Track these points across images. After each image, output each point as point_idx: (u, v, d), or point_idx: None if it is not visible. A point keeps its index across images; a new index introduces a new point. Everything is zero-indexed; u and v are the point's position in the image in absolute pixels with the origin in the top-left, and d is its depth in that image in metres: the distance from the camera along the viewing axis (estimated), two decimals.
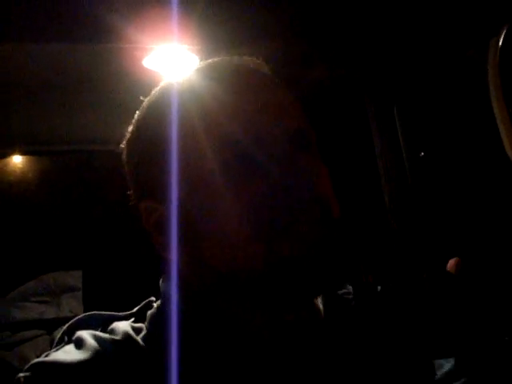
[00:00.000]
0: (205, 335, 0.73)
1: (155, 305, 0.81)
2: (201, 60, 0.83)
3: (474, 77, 1.51)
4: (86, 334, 0.72)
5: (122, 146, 0.83)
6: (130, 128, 0.83)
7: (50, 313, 2.70)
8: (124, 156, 0.83)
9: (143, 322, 0.77)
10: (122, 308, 0.85)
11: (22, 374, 0.68)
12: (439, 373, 0.77)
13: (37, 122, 2.63)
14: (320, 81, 1.88)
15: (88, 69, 2.05)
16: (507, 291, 1.23)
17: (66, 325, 0.79)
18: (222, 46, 1.57)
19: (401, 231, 1.80)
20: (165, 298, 0.79)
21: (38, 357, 0.71)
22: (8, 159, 3.25)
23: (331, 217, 0.72)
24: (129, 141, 0.82)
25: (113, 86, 2.13)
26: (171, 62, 1.87)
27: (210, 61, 0.82)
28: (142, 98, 0.84)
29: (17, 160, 3.29)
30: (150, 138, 0.78)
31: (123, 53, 1.83)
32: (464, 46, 1.56)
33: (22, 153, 3.21)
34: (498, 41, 1.46)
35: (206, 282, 0.76)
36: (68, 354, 0.70)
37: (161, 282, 0.81)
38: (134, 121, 0.83)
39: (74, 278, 2.83)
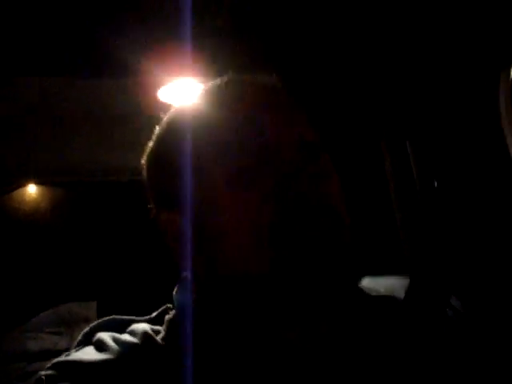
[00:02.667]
0: (219, 338, 0.74)
1: (172, 312, 0.82)
2: None
3: (486, 109, 1.51)
4: (105, 336, 0.74)
5: (143, 161, 0.86)
6: (150, 144, 0.86)
7: (63, 344, 2.70)
8: (144, 171, 0.86)
9: (161, 326, 0.79)
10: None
11: (43, 373, 0.69)
12: None
13: (52, 153, 2.66)
14: (333, 118, 1.89)
15: (103, 101, 2.08)
16: None
17: (87, 327, 0.80)
18: None
19: (413, 260, 1.79)
20: (181, 304, 0.81)
21: None
22: (23, 189, 3.28)
23: (339, 224, 0.73)
24: (149, 157, 0.85)
25: (127, 117, 2.15)
26: (185, 94, 1.90)
27: (218, 81, 0.85)
28: (162, 114, 0.87)
29: (32, 190, 3.32)
30: (168, 154, 0.80)
31: (138, 86, 1.86)
32: (475, 79, 1.57)
33: (37, 183, 3.24)
34: (509, 73, 1.47)
35: (219, 289, 0.77)
36: (88, 354, 0.71)
37: (175, 290, 0.84)
38: (153, 137, 0.86)
39: (88, 309, 2.83)
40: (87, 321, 2.80)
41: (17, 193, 3.24)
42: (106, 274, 3.04)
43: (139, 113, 2.04)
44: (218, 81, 0.85)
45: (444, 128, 1.68)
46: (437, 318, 0.85)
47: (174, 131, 0.82)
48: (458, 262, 1.61)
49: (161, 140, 0.84)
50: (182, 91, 1.89)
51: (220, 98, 0.81)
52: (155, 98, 1.94)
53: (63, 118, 2.23)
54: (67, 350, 2.25)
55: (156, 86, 1.87)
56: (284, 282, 0.71)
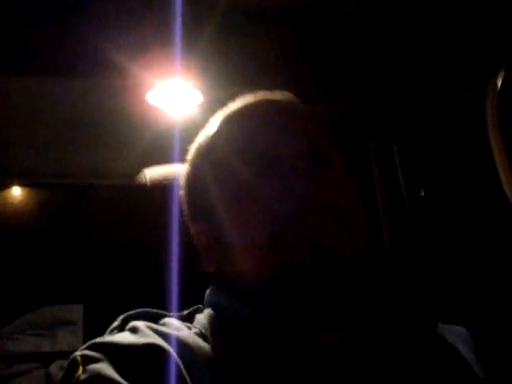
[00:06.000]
0: (251, 333, 0.78)
1: (206, 311, 0.86)
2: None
3: (473, 117, 1.52)
4: (141, 324, 0.75)
5: (183, 177, 0.97)
6: (187, 166, 0.97)
7: (45, 346, 2.67)
8: (182, 187, 0.97)
9: (192, 323, 0.82)
10: None
11: (78, 353, 0.68)
12: None
13: (37, 155, 2.64)
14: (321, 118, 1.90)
15: (91, 104, 2.07)
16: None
17: (120, 317, 0.81)
18: (225, 82, 1.60)
19: (400, 270, 1.80)
20: (216, 305, 0.86)
21: None
22: (7, 191, 3.25)
23: (352, 231, 0.78)
24: (187, 176, 0.96)
25: (115, 121, 2.14)
26: (174, 97, 1.89)
27: (241, 106, 0.93)
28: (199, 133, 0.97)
29: (16, 192, 3.29)
30: (203, 175, 0.90)
31: (127, 89, 1.85)
32: (462, 86, 1.58)
33: (22, 185, 3.22)
34: (497, 81, 1.47)
35: (244, 287, 0.82)
36: (125, 338, 0.71)
37: (208, 292, 0.91)
38: (190, 159, 0.97)
39: (72, 312, 2.81)
40: (71, 324, 2.79)
41: (0, 195, 3.21)
42: (93, 277, 3.02)
43: (127, 116, 2.04)
44: (241, 106, 0.93)
45: (431, 134, 1.69)
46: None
47: (204, 160, 0.92)
48: (445, 273, 1.62)
49: (195, 166, 0.94)
50: (172, 94, 1.88)
51: (243, 125, 0.89)
52: (144, 101, 1.93)
53: (48, 120, 2.21)
54: (50, 353, 2.24)
55: (145, 89, 1.86)
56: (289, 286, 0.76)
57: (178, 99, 1.90)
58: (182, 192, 0.97)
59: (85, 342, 0.76)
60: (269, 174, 0.80)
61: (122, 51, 1.58)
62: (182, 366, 0.68)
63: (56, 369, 2.54)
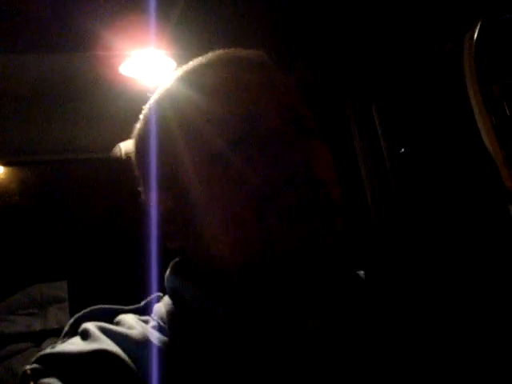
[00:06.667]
0: (210, 324, 0.73)
1: (165, 299, 0.81)
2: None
3: (451, 71, 1.51)
4: (91, 326, 0.72)
5: (131, 139, 0.87)
6: (138, 124, 0.86)
7: (37, 325, 2.68)
8: (133, 151, 0.87)
9: (149, 315, 0.78)
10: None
11: (28, 367, 0.67)
12: None
13: (16, 133, 2.62)
14: (299, 81, 1.88)
15: (65, 77, 2.04)
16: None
17: (72, 318, 0.78)
18: (198, 51, 1.58)
19: (382, 229, 1.80)
20: (171, 290, 0.80)
21: None
22: None
23: (329, 198, 0.72)
24: (138, 136, 0.87)
25: (90, 93, 2.12)
26: (148, 67, 1.87)
27: (201, 59, 0.84)
28: (149, 94, 0.87)
29: None
30: (157, 135, 0.81)
31: (100, 60, 1.83)
32: (440, 40, 1.57)
33: (3, 164, 3.19)
34: (473, 34, 1.46)
35: (211, 270, 0.76)
36: (74, 345, 0.69)
37: (167, 273, 0.83)
38: (142, 116, 0.87)
39: (59, 288, 2.81)
40: (59, 301, 2.78)
41: None
42: (77, 254, 3.02)
43: (102, 87, 2.01)
44: (201, 59, 0.84)
45: (409, 90, 1.68)
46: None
47: (160, 115, 0.82)
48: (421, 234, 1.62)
49: (150, 122, 0.84)
50: (145, 65, 1.86)
51: (203, 79, 0.80)
52: (117, 72, 1.91)
53: (24, 95, 2.18)
54: (41, 331, 2.24)
55: (118, 60, 1.84)
56: (274, 261, 0.69)
57: (151, 69, 1.87)
58: (134, 153, 0.87)
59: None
60: (248, 142, 0.72)
61: (95, 22, 1.55)
62: (133, 368, 0.67)
63: None
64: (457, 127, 1.51)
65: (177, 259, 0.84)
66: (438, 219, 1.58)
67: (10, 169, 3.27)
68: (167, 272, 0.83)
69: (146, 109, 0.87)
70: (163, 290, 0.83)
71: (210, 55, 0.84)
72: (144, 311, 0.80)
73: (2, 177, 3.27)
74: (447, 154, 1.55)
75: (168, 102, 0.82)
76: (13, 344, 2.59)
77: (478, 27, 1.46)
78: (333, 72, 1.86)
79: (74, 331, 0.75)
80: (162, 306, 0.79)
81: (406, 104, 1.72)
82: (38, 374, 0.65)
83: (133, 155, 0.87)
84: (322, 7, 1.62)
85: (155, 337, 0.72)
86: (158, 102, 0.84)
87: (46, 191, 3.27)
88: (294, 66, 1.73)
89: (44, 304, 2.77)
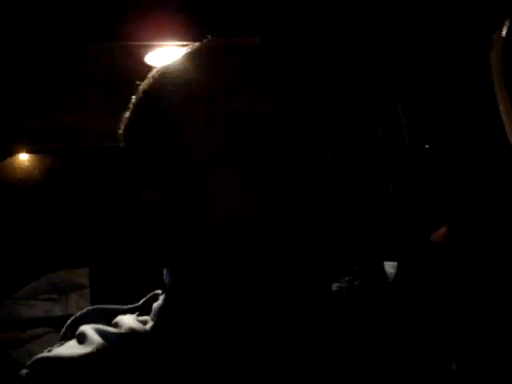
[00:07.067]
0: (209, 322, 0.71)
1: (161, 297, 0.79)
2: None
3: (478, 70, 1.50)
4: (88, 329, 0.71)
5: (120, 131, 0.81)
6: (127, 114, 0.81)
7: (57, 310, 2.70)
8: (122, 143, 0.81)
9: (148, 315, 0.76)
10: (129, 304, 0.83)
11: (24, 371, 0.67)
12: None
13: (43, 121, 2.64)
14: (321, 81, 1.88)
15: (92, 67, 2.05)
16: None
17: (70, 320, 0.79)
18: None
19: (403, 223, 1.80)
20: (169, 288, 0.78)
21: None
22: (14, 158, 3.25)
23: (326, 199, 0.69)
24: (127, 127, 0.81)
25: (116, 83, 2.13)
26: (173, 58, 1.87)
27: (198, 45, 0.80)
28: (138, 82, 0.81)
29: (23, 158, 3.29)
30: (149, 126, 0.76)
31: (125, 50, 1.83)
32: (467, 39, 1.56)
33: (29, 151, 3.21)
34: (501, 34, 1.45)
35: (207, 268, 0.72)
36: (70, 348, 0.69)
37: (165, 272, 0.79)
38: (131, 105, 0.81)
39: (81, 275, 2.83)
40: (80, 288, 2.80)
41: (8, 162, 3.21)
42: (99, 241, 3.04)
43: (128, 78, 2.02)
44: (198, 45, 0.79)
45: (435, 87, 1.67)
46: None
47: (152, 101, 0.77)
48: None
49: (141, 111, 0.79)
50: (171, 56, 1.86)
51: (198, 64, 0.76)
52: (143, 62, 1.91)
53: (50, 84, 2.20)
54: (61, 317, 2.26)
55: (144, 51, 1.84)
56: (272, 258, 0.67)
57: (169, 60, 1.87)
58: (124, 144, 0.81)
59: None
60: (253, 137, 0.68)
61: (121, 12, 1.56)
62: (130, 371, 0.66)
63: None
64: (482, 125, 1.50)
65: (175, 255, 0.79)
66: (462, 217, 1.57)
67: (35, 156, 3.29)
68: (165, 271, 0.80)
69: (136, 97, 0.81)
70: None
71: (211, 44, 0.80)
72: (143, 310, 0.79)
73: (26, 164, 3.29)
74: (472, 151, 1.54)
75: (164, 87, 0.77)
76: (32, 328, 2.62)
77: (505, 27, 1.44)
78: (359, 67, 1.86)
79: (71, 333, 0.75)
80: (160, 304, 0.77)
81: (430, 102, 1.71)
82: (31, 378, 0.66)
83: (125, 145, 0.81)
84: (345, 5, 1.61)
85: (153, 338, 0.71)
86: (155, 88, 0.78)
87: (71, 179, 3.29)
88: (315, 65, 1.72)
89: (65, 290, 2.80)
